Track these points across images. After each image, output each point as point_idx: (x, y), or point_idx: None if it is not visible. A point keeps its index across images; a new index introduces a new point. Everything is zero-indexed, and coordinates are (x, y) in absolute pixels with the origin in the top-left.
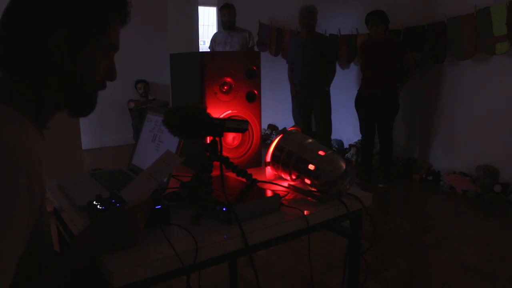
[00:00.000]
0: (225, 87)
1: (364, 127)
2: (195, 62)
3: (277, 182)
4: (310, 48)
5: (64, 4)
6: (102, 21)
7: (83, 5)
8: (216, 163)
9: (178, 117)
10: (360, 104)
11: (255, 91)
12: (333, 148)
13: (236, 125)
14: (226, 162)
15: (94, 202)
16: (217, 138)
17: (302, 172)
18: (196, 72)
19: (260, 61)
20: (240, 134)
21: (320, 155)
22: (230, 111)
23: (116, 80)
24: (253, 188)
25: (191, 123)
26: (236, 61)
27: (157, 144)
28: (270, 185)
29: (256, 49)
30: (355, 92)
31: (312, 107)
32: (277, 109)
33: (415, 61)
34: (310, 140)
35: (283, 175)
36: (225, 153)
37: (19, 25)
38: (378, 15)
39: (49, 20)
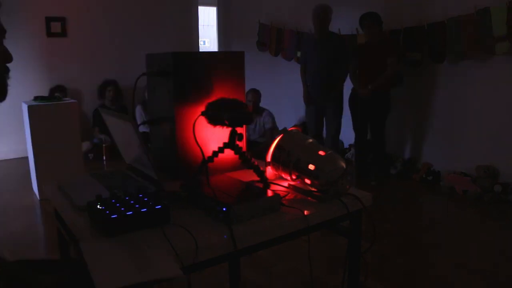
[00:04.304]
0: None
1: (357, 126)
2: (168, 62)
3: (277, 182)
4: (323, 48)
5: None
6: None
7: None
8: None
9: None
10: (354, 102)
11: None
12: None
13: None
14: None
15: (94, 202)
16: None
17: (302, 172)
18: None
19: (244, 61)
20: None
21: (320, 155)
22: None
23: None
24: (253, 188)
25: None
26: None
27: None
28: (270, 185)
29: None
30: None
31: (324, 107)
32: (277, 109)
33: (415, 61)
34: (310, 140)
35: (283, 175)
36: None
37: None
38: (371, 16)
39: None
